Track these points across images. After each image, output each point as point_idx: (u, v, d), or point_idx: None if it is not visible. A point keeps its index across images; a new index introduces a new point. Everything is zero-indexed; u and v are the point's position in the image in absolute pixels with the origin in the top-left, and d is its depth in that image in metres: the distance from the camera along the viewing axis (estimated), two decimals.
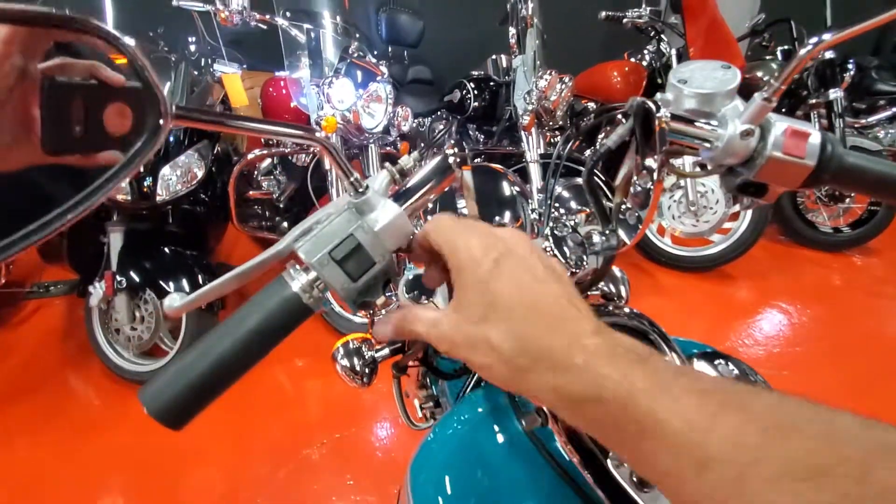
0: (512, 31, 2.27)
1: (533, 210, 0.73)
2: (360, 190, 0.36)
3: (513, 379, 0.31)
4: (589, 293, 0.72)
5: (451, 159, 0.39)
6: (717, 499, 0.24)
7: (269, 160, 2.44)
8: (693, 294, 2.63)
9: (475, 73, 2.66)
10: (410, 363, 0.81)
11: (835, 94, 2.64)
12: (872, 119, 3.08)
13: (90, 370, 2.06)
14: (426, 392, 1.04)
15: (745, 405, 0.26)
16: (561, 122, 2.29)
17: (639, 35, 2.92)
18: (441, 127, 2.71)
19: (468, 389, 0.73)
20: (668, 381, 0.28)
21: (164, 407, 0.33)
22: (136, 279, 1.83)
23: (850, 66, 2.69)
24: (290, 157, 2.29)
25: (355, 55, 2.03)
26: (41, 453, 1.73)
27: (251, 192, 2.42)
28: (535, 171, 2.03)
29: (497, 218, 0.69)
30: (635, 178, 0.51)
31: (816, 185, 0.46)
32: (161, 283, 1.84)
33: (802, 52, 0.44)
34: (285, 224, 2.39)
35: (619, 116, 0.53)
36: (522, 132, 2.16)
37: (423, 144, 2.72)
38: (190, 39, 2.16)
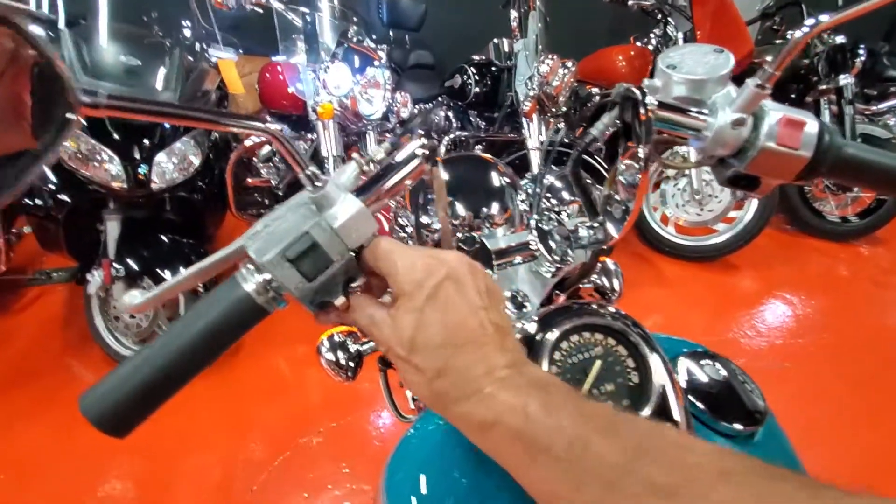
0: (514, 13, 2.22)
1: (523, 201, 0.71)
2: (318, 184, 0.34)
3: (434, 402, 0.34)
4: (581, 287, 0.70)
5: (419, 150, 0.37)
6: None
7: (268, 147, 2.41)
8: (696, 284, 2.60)
9: (476, 57, 2.61)
10: None
11: (845, 80, 2.57)
12: (883, 106, 3.00)
13: (90, 357, 2.08)
14: None
15: (618, 430, 0.29)
16: (564, 109, 2.25)
17: (645, 18, 2.84)
18: (442, 114, 2.67)
19: None
20: (557, 406, 0.30)
21: (105, 414, 0.32)
22: (134, 267, 1.82)
23: (860, 52, 2.61)
24: None
25: (354, 40, 1.99)
26: (42, 437, 1.74)
27: (250, 180, 2.40)
28: (535, 159, 2.00)
29: (484, 209, 0.67)
30: (623, 168, 0.48)
31: (811, 177, 0.43)
32: (158, 271, 1.84)
33: (798, 34, 0.41)
34: None
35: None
36: (524, 119, 2.12)
37: (421, 132, 2.68)
38: (185, 24, 2.12)
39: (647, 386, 0.41)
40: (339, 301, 0.35)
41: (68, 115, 0.30)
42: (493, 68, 2.53)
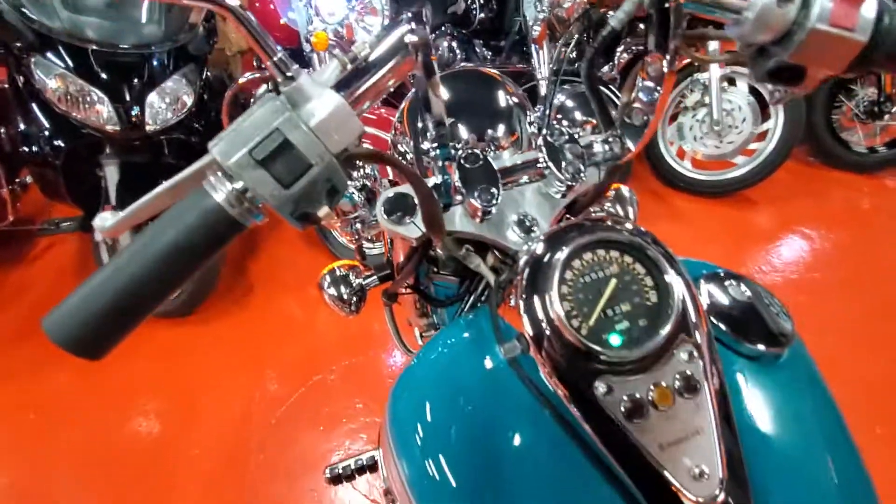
0: None
1: (531, 123, 0.65)
2: (289, 74, 0.29)
3: None
4: (593, 213, 0.65)
5: (407, 38, 0.32)
6: None
7: (264, 85, 2.31)
8: (711, 219, 2.53)
9: None
10: (402, 290, 0.77)
11: None
12: None
13: None
14: (426, 320, 1.02)
15: None
16: (577, 35, 2.09)
17: None
18: (445, 44, 2.51)
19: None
20: None
21: (73, 335, 0.29)
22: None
23: None
24: None
25: None
26: (68, 380, 1.81)
27: None
28: (545, 90, 1.88)
29: (490, 131, 0.61)
30: (648, 67, 0.42)
31: (865, 67, 0.37)
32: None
33: None
34: None
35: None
36: (533, 46, 1.98)
37: (409, 14, 2.52)
38: None
39: (666, 305, 0.38)
40: (323, 212, 0.31)
41: None
42: None
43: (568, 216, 0.59)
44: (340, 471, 0.90)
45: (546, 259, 0.41)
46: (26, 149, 1.76)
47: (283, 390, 1.71)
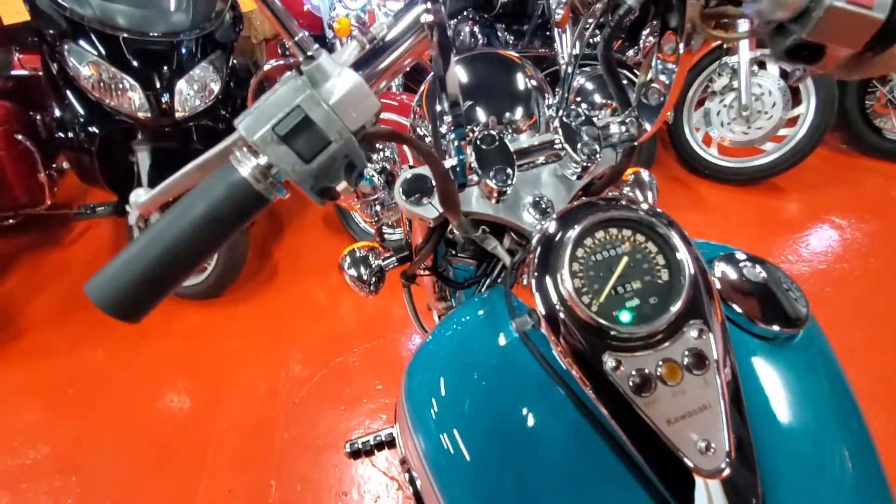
0: None
1: (549, 106, 0.65)
2: (309, 53, 0.31)
3: None
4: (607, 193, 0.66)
5: (423, 17, 0.33)
6: None
7: (288, 72, 2.34)
8: (736, 208, 2.47)
9: None
10: (420, 272, 0.79)
11: None
12: None
13: None
14: (445, 304, 1.04)
15: None
16: (600, 18, 2.05)
17: None
18: (467, 29, 2.50)
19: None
20: None
21: (112, 299, 0.32)
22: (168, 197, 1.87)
23: None
24: None
25: None
26: (104, 357, 1.90)
27: None
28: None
29: (507, 114, 0.62)
30: (665, 46, 0.42)
31: (885, 45, 0.37)
32: None
33: None
34: None
35: None
36: (556, 30, 1.96)
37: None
38: None
39: (677, 283, 0.38)
40: (342, 187, 0.33)
41: None
42: None
43: (584, 198, 0.59)
44: (360, 446, 0.93)
45: (558, 237, 0.42)
46: (62, 135, 1.84)
47: (307, 371, 1.76)
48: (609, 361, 0.37)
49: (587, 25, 0.61)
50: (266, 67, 2.10)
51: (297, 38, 0.31)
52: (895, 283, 1.96)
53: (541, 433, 0.42)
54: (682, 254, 0.39)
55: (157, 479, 1.47)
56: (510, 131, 0.61)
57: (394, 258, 0.79)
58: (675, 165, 2.74)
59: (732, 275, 0.47)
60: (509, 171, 0.50)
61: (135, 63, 1.72)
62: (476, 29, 2.45)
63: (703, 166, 2.61)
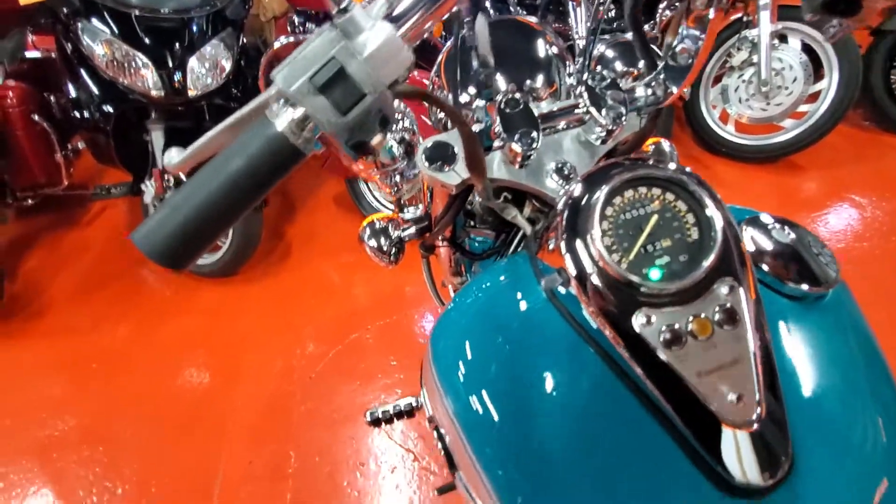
0: None
1: (570, 74, 0.65)
2: (342, 6, 0.31)
3: None
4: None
5: None
6: None
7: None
8: (754, 186, 2.43)
9: None
10: (438, 243, 0.79)
11: None
12: None
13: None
14: (460, 279, 1.04)
15: None
16: None
17: None
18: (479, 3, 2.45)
19: None
20: None
21: (158, 247, 0.32)
22: (182, 177, 1.88)
23: None
24: None
25: None
26: (125, 335, 1.94)
27: None
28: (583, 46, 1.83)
29: (528, 81, 0.61)
30: (693, 3, 0.42)
31: None
32: None
33: None
34: None
35: None
36: (569, 3, 1.91)
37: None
38: None
39: (707, 240, 0.38)
40: (376, 140, 0.33)
41: None
42: None
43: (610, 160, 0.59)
44: (380, 415, 0.95)
45: (586, 197, 0.42)
46: (77, 115, 1.85)
47: (322, 348, 1.79)
48: (640, 318, 0.37)
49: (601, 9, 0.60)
50: (276, 45, 2.08)
51: None
52: None
53: (570, 390, 0.43)
54: (713, 211, 0.39)
55: (179, 451, 1.52)
56: (532, 98, 0.61)
57: (413, 228, 0.79)
58: (692, 143, 2.70)
59: (761, 236, 0.46)
60: (534, 134, 0.49)
61: (147, 41, 1.72)
62: (487, 2, 2.40)
63: (720, 144, 2.56)
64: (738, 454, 0.37)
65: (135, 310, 2.04)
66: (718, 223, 0.38)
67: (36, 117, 2.15)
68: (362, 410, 1.56)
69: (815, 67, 2.28)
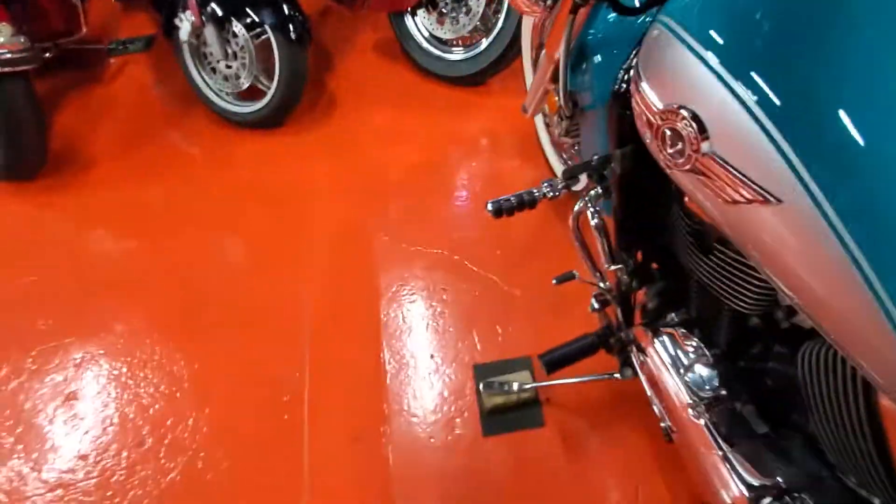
0: None
1: None
2: None
3: None
4: None
5: None
6: None
7: None
8: None
9: None
10: None
11: None
12: None
13: (195, 115, 2.13)
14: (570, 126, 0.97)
15: None
16: None
17: None
18: None
19: None
20: None
21: None
22: (219, 10, 1.72)
23: None
24: None
25: None
26: (174, 186, 1.90)
27: None
28: None
29: None
30: None
31: None
32: (247, 9, 1.73)
33: None
34: None
35: None
36: None
37: None
38: None
39: None
40: None
41: None
42: None
43: None
44: (502, 204, 0.93)
45: None
46: None
47: (381, 204, 1.76)
48: None
49: None
50: None
51: None
52: None
53: None
54: None
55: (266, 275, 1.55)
56: None
57: None
58: None
59: None
60: None
61: None
62: None
63: None
64: None
65: (179, 167, 1.98)
66: None
67: None
68: (431, 245, 1.56)
69: None
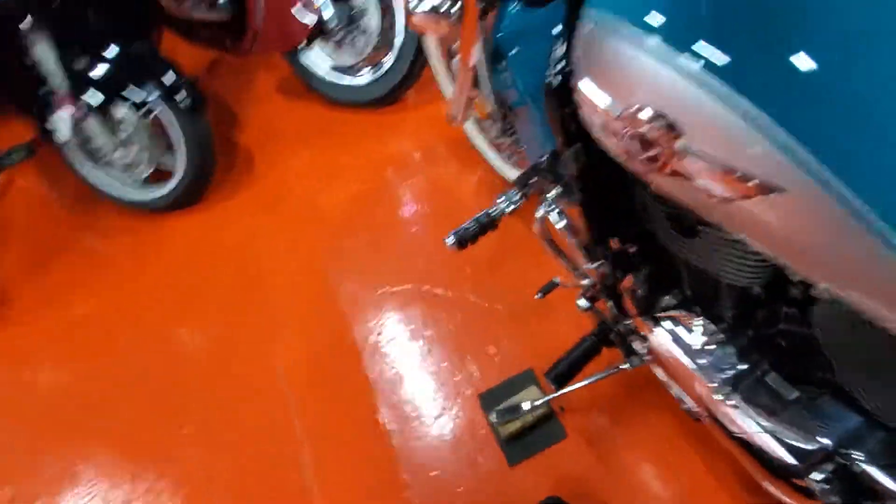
0: None
1: None
2: None
3: None
4: None
5: None
6: None
7: None
8: None
9: None
10: None
11: None
12: None
13: (104, 212, 1.94)
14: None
15: None
16: None
17: None
18: None
19: None
20: None
21: None
22: (94, 99, 1.56)
23: None
24: None
25: None
26: (106, 294, 1.72)
27: None
28: None
29: None
30: None
31: None
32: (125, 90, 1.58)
33: None
34: None
35: None
36: None
37: None
38: None
39: None
40: None
41: None
42: None
43: None
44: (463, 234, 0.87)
45: None
46: None
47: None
48: None
49: None
50: None
51: None
52: None
53: None
54: None
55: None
56: None
57: None
58: None
59: None
60: None
61: None
62: None
63: None
64: None
65: (109, 267, 1.80)
66: None
67: None
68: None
69: None
